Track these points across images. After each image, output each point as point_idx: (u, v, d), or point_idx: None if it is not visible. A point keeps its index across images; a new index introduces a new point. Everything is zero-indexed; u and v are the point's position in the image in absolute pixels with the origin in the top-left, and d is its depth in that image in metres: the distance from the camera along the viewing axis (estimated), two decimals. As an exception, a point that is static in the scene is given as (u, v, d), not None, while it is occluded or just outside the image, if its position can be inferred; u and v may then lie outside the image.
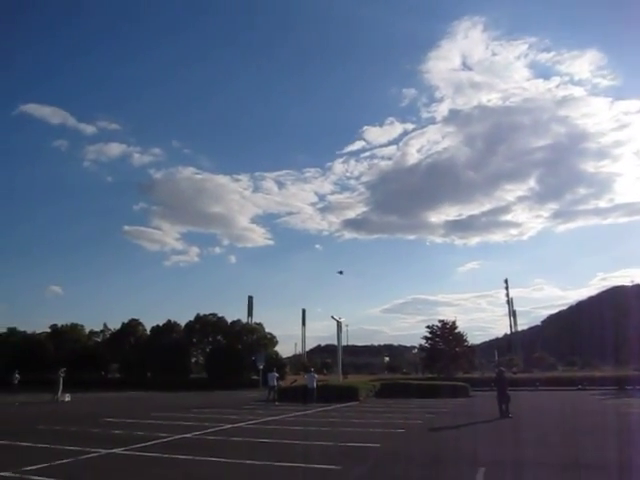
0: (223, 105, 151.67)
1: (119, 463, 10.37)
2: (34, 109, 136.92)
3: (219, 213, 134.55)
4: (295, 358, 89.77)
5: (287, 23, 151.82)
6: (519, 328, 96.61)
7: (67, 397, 30.52)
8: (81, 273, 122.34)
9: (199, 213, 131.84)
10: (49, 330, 65.76)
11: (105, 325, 66.15)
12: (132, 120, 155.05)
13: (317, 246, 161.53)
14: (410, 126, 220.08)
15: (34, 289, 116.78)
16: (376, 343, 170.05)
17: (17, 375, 39.73)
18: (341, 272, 50.57)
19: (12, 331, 65.65)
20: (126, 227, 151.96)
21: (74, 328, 65.49)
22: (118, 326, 63.51)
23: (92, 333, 66.54)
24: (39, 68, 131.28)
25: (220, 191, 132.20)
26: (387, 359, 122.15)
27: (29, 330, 66.52)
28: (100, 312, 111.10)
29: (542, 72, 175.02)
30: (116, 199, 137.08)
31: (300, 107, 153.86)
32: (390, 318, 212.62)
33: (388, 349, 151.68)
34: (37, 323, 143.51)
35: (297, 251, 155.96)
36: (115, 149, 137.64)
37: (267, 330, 59.50)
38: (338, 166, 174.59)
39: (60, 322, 66.56)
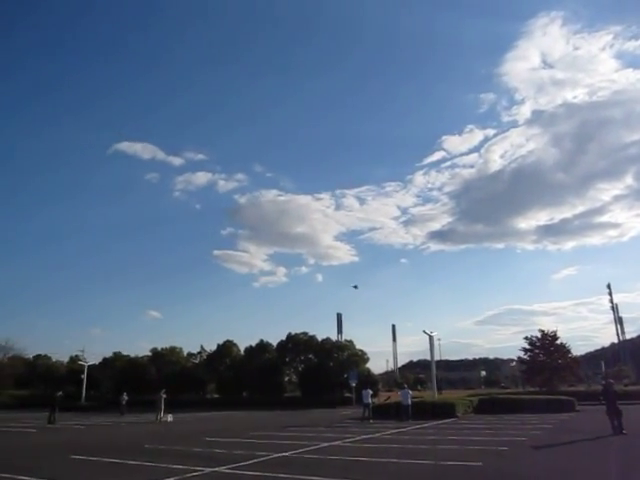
0: (298, 126, 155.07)
1: (222, 481, 10.56)
2: (127, 147, 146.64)
3: (303, 233, 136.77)
4: (387, 374, 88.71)
5: (354, 36, 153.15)
6: (627, 336, 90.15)
7: (169, 417, 31.72)
8: (176, 298, 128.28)
9: (284, 234, 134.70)
10: (150, 353, 69.08)
11: (202, 347, 68.50)
12: (216, 149, 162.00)
13: (403, 260, 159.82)
14: (491, 132, 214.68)
15: (135, 315, 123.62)
16: (470, 357, 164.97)
17: (125, 396, 41.92)
18: (356, 287, 50.24)
19: (117, 355, 69.62)
20: (216, 251, 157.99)
21: (173, 351, 68.35)
22: (214, 347, 65.64)
23: (190, 355, 69.08)
24: (130, 108, 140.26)
25: (303, 211, 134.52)
26: (484, 373, 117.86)
27: (132, 354, 70.32)
28: (196, 334, 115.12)
29: (631, 61, 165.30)
30: (205, 225, 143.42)
31: (375, 121, 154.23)
32: (484, 330, 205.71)
33: (484, 362, 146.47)
34: (139, 347, 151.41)
35: (383, 266, 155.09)
36: (202, 178, 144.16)
37: (358, 347, 59.31)
38: (419, 178, 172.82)
39: (160, 345, 69.81)
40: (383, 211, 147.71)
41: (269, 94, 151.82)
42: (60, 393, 34.66)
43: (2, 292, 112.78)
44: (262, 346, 62.25)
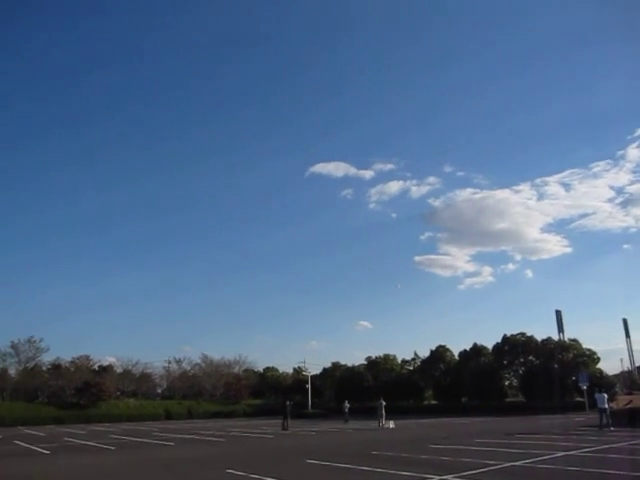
0: (483, 119, 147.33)
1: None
2: (321, 167, 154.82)
3: (505, 229, 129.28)
4: (623, 375, 79.17)
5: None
6: None
7: (391, 424, 32.23)
8: (384, 307, 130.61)
9: (485, 232, 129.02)
10: (365, 362, 71.41)
11: (415, 353, 68.78)
12: (404, 157, 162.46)
13: (625, 246, 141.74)
14: None
15: (347, 326, 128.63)
16: None
17: (347, 404, 43.80)
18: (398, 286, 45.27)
19: (335, 365, 73.32)
20: (416, 257, 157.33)
21: (387, 358, 69.77)
22: (427, 353, 65.48)
23: (404, 362, 69.79)
24: (315, 130, 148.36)
25: (502, 206, 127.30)
26: None
27: (349, 363, 73.47)
28: (408, 341, 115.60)
29: None
30: (403, 233, 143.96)
31: (565, 99, 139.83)
32: None
33: None
34: (354, 356, 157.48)
35: (602, 255, 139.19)
36: (394, 187, 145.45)
37: (585, 346, 54.18)
38: (632, 152, 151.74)
39: (374, 354, 71.87)
40: (593, 194, 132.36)
41: (445, 93, 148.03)
42: (290, 402, 37.45)
43: (235, 313, 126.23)
44: (477, 350, 60.33)
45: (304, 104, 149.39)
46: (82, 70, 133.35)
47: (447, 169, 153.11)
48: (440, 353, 63.38)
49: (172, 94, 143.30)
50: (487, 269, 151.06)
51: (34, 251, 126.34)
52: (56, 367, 67.31)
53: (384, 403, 34.17)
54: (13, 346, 65.85)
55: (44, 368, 69.05)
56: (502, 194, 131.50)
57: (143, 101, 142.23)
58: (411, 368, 68.26)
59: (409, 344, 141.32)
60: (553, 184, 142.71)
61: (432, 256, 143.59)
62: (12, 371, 67.92)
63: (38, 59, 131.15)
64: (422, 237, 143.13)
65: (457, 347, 63.79)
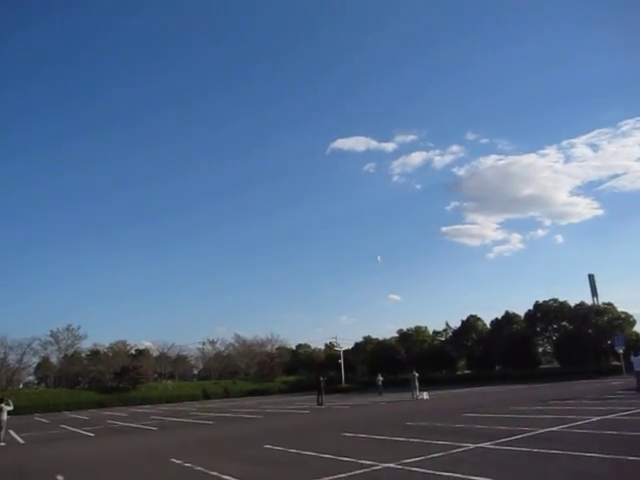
0: (505, 79, 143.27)
1: (490, 456, 10.35)
2: (342, 143, 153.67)
3: (533, 194, 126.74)
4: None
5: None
6: None
7: (425, 395, 32.39)
8: (413, 279, 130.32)
9: (512, 199, 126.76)
10: (397, 335, 71.67)
11: (446, 324, 68.79)
12: (425, 126, 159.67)
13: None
14: None
15: (377, 300, 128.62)
16: None
17: (380, 377, 44.14)
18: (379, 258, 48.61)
19: (367, 339, 73.78)
20: (443, 228, 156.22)
21: (418, 330, 69.92)
22: (458, 324, 65.38)
23: (436, 333, 69.88)
24: (334, 104, 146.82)
25: (528, 171, 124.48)
26: None
27: (380, 337, 73.87)
28: (438, 312, 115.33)
29: None
30: (428, 204, 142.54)
31: (598, 57, 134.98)
32: None
33: None
34: (385, 329, 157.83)
35: (633, 216, 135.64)
36: (417, 158, 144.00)
37: (620, 310, 53.37)
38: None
39: (405, 326, 72.07)
40: (624, 154, 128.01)
41: (462, 56, 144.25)
42: (324, 377, 37.90)
43: (265, 292, 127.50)
44: (508, 317, 60.02)
45: (316, 75, 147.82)
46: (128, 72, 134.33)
47: (470, 136, 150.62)
48: (471, 323, 63.24)
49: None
50: (516, 236, 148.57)
51: (69, 242, 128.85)
52: (95, 353, 69.36)
53: (417, 375, 34.31)
54: (53, 335, 68.07)
55: (83, 355, 71.26)
56: (528, 159, 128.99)
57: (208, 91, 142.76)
58: (443, 339, 68.33)
59: (440, 315, 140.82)
60: (580, 146, 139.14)
61: (459, 226, 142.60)
62: (54, 359, 70.45)
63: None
64: (448, 207, 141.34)
65: (489, 316, 63.65)
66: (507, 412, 19.12)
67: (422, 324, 71.23)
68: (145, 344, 78.94)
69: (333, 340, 71.62)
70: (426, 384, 38.91)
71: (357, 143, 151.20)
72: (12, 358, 64.65)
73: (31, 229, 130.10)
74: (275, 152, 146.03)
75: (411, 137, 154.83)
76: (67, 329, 68.81)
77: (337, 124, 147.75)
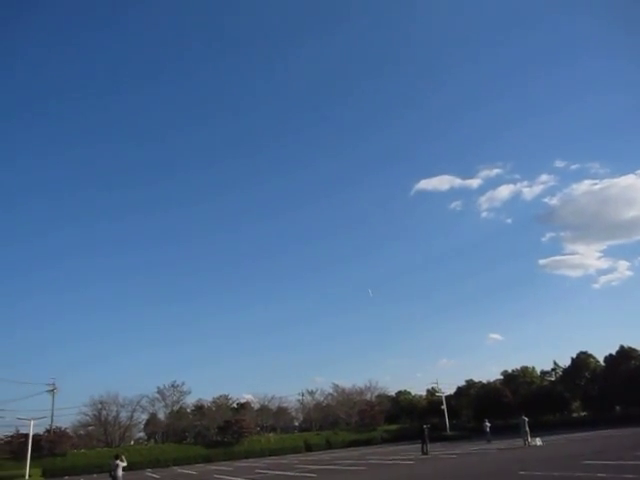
0: (583, 99, 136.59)
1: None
2: (425, 184, 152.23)
3: (637, 216, 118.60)
4: None
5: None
6: None
7: (538, 441, 30.33)
8: (513, 316, 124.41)
9: (613, 224, 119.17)
10: (501, 377, 68.26)
11: (555, 363, 64.93)
12: (510, 159, 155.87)
13: None
14: None
15: (476, 341, 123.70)
16: None
17: (487, 423, 41.82)
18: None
19: (470, 383, 70.76)
20: (541, 261, 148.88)
21: (525, 371, 66.31)
22: (567, 362, 61.45)
23: (544, 373, 65.99)
24: (416, 146, 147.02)
25: (629, 193, 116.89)
26: None
27: (483, 379, 70.64)
28: (545, 351, 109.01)
29: None
30: (522, 237, 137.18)
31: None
32: None
33: None
34: (488, 372, 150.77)
35: None
36: (504, 191, 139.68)
37: None
38: None
39: (509, 367, 68.63)
40: None
41: (541, 89, 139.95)
42: (427, 425, 36.53)
43: (361, 338, 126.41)
44: (624, 353, 55.53)
45: (393, 117, 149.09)
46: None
47: (559, 164, 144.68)
48: (582, 360, 59.15)
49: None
50: (623, 263, 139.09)
51: (174, 307, 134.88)
52: (199, 408, 71.27)
53: (527, 419, 32.26)
54: (159, 392, 70.87)
55: (188, 410, 73.35)
56: (626, 180, 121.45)
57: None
58: (552, 379, 64.38)
59: (546, 354, 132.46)
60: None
61: (558, 257, 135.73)
62: (161, 415, 73.03)
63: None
64: (543, 239, 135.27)
65: (601, 352, 59.46)
66: (632, 459, 17.45)
67: (528, 364, 67.66)
68: (246, 397, 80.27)
69: (434, 385, 69.46)
70: (538, 429, 36.48)
71: (441, 182, 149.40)
72: (123, 415, 67.79)
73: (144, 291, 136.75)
74: (360, 196, 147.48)
75: (496, 171, 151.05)
76: (172, 386, 71.43)
77: (419, 165, 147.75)
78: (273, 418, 77.13)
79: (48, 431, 52.85)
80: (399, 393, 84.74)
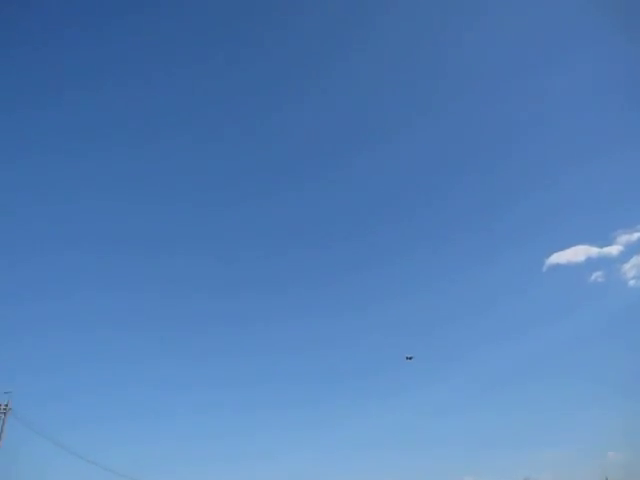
0: None
1: None
2: (558, 257, 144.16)
3: None
4: None
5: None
6: None
7: None
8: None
9: None
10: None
11: None
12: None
13: None
14: None
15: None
16: None
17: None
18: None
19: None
20: None
21: None
22: None
23: None
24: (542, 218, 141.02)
25: None
26: None
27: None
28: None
29: None
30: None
31: None
32: None
33: None
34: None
35: None
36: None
37: None
38: None
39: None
40: None
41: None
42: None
43: (512, 429, 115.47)
44: None
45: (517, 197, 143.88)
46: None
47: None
48: None
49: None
50: None
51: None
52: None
53: None
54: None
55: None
56: None
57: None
58: None
59: None
60: None
61: None
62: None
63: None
64: None
65: None
66: None
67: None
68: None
69: None
70: None
71: (575, 254, 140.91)
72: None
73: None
74: (488, 279, 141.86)
75: (637, 235, 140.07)
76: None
77: (547, 238, 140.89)
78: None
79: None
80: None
